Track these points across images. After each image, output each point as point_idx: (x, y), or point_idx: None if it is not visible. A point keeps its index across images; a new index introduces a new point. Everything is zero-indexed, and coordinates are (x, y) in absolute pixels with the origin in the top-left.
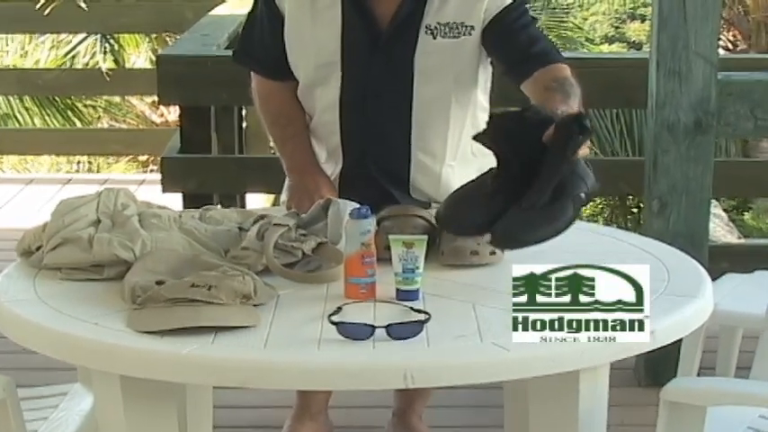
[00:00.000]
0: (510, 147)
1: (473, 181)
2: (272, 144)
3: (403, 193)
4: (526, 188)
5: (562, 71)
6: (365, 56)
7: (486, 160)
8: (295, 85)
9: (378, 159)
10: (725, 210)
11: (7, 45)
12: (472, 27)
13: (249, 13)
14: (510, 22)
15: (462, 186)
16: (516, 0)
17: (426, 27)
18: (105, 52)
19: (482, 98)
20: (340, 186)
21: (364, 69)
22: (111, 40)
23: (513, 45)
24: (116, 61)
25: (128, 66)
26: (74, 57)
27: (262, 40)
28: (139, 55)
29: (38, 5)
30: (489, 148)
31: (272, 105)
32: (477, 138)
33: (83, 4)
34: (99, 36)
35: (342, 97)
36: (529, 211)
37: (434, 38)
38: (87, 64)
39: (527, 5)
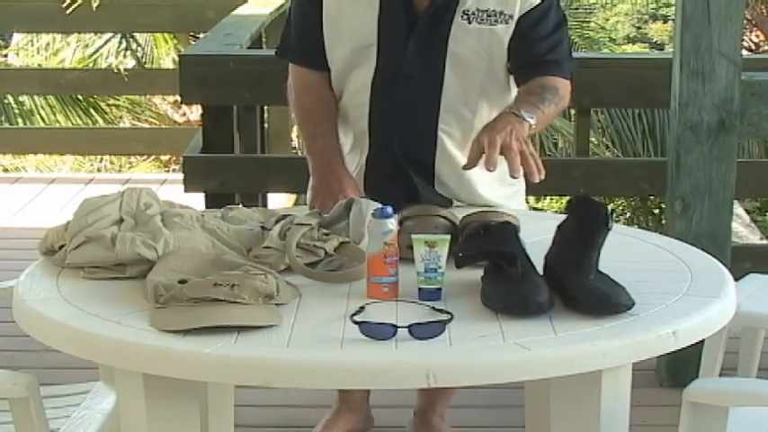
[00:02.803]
0: (494, 251)
1: (489, 276)
2: (294, 143)
3: (428, 184)
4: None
5: (555, 82)
6: (402, 39)
7: (504, 164)
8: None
9: (404, 144)
10: (748, 210)
11: (32, 45)
12: (510, 16)
13: (289, 9)
14: (535, 23)
15: (486, 281)
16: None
17: (464, 12)
18: (126, 53)
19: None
20: (365, 175)
21: (400, 52)
22: (137, 40)
23: (531, 49)
24: (139, 62)
25: (160, 66)
26: (96, 57)
27: (302, 29)
28: (167, 55)
29: (64, 4)
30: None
31: (307, 100)
32: (460, 264)
33: (94, 4)
34: (120, 36)
35: (374, 80)
36: (590, 277)
37: (469, 23)
38: (110, 64)
39: (558, 3)
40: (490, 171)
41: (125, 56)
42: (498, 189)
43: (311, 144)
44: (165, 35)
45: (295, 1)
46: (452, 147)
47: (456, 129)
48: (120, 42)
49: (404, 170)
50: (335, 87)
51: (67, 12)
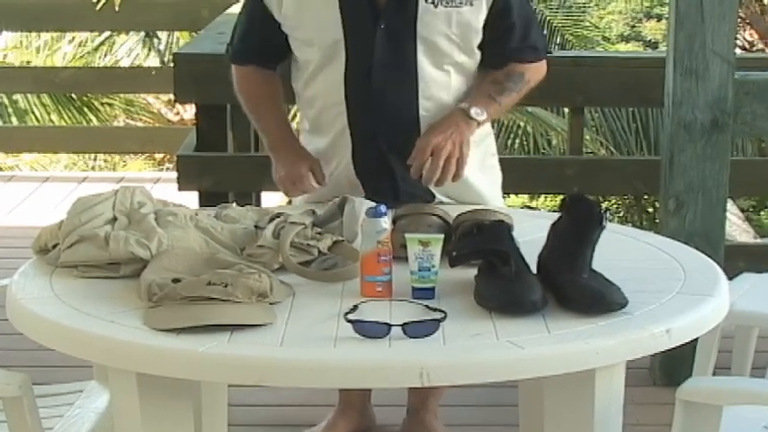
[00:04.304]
0: (488, 250)
1: (482, 274)
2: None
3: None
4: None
5: (525, 68)
6: (369, 30)
7: (482, 145)
8: (277, 74)
9: (388, 136)
10: (742, 209)
11: (28, 46)
12: None
13: (240, 15)
14: (503, 9)
15: (479, 280)
16: None
17: None
18: (150, 49)
19: None
20: (355, 174)
21: (368, 44)
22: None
23: (504, 37)
24: (162, 60)
25: None
26: (91, 54)
27: (261, 35)
28: None
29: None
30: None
31: (246, 86)
32: (454, 263)
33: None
34: (143, 35)
35: (347, 74)
36: (583, 276)
37: (435, 6)
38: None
39: None
40: (414, 177)
41: (148, 54)
42: (481, 177)
43: (258, 124)
44: (193, 34)
45: (242, 7)
46: None
47: (437, 113)
48: (144, 41)
49: (390, 163)
50: (307, 92)
51: (97, 8)
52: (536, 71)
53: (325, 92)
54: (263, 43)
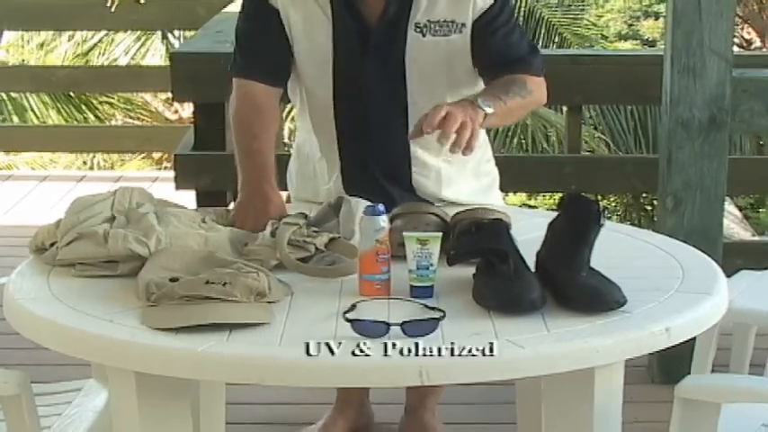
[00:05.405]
0: (486, 248)
1: (481, 273)
2: (285, 141)
3: (407, 192)
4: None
5: (525, 78)
6: (357, 53)
7: (477, 153)
8: (280, 92)
9: (378, 159)
10: (740, 207)
11: (28, 43)
12: (463, 24)
13: (237, 28)
14: (493, 23)
15: (478, 279)
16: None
17: (416, 25)
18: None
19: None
20: (344, 187)
21: (357, 69)
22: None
23: (496, 51)
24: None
25: None
26: (88, 52)
27: (266, 47)
28: None
29: (108, 3)
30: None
31: (248, 110)
32: (452, 262)
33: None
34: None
35: (335, 97)
36: (582, 274)
37: (423, 35)
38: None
39: (509, 4)
40: (428, 133)
41: (145, 53)
42: (475, 184)
43: (244, 159)
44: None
45: (252, 23)
46: (428, 157)
47: (429, 140)
48: (163, 40)
49: (381, 185)
50: (302, 100)
51: (112, 9)
52: (538, 85)
53: (316, 108)
54: (271, 52)
